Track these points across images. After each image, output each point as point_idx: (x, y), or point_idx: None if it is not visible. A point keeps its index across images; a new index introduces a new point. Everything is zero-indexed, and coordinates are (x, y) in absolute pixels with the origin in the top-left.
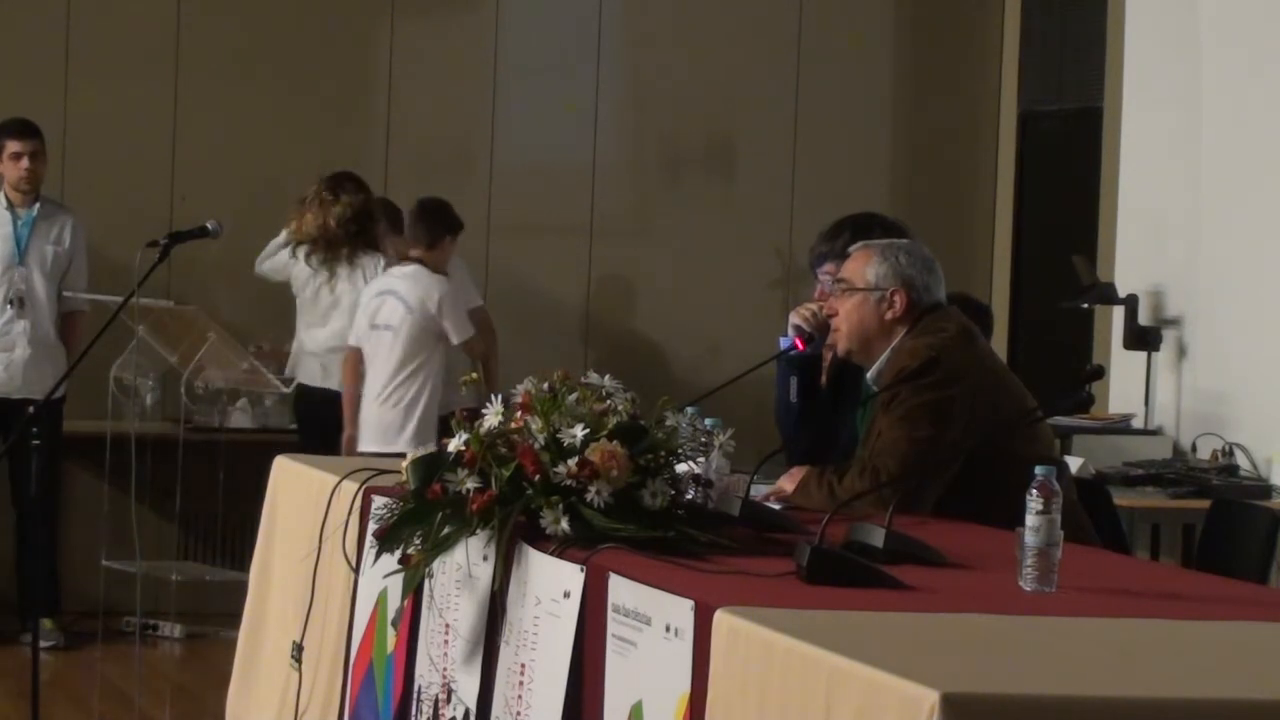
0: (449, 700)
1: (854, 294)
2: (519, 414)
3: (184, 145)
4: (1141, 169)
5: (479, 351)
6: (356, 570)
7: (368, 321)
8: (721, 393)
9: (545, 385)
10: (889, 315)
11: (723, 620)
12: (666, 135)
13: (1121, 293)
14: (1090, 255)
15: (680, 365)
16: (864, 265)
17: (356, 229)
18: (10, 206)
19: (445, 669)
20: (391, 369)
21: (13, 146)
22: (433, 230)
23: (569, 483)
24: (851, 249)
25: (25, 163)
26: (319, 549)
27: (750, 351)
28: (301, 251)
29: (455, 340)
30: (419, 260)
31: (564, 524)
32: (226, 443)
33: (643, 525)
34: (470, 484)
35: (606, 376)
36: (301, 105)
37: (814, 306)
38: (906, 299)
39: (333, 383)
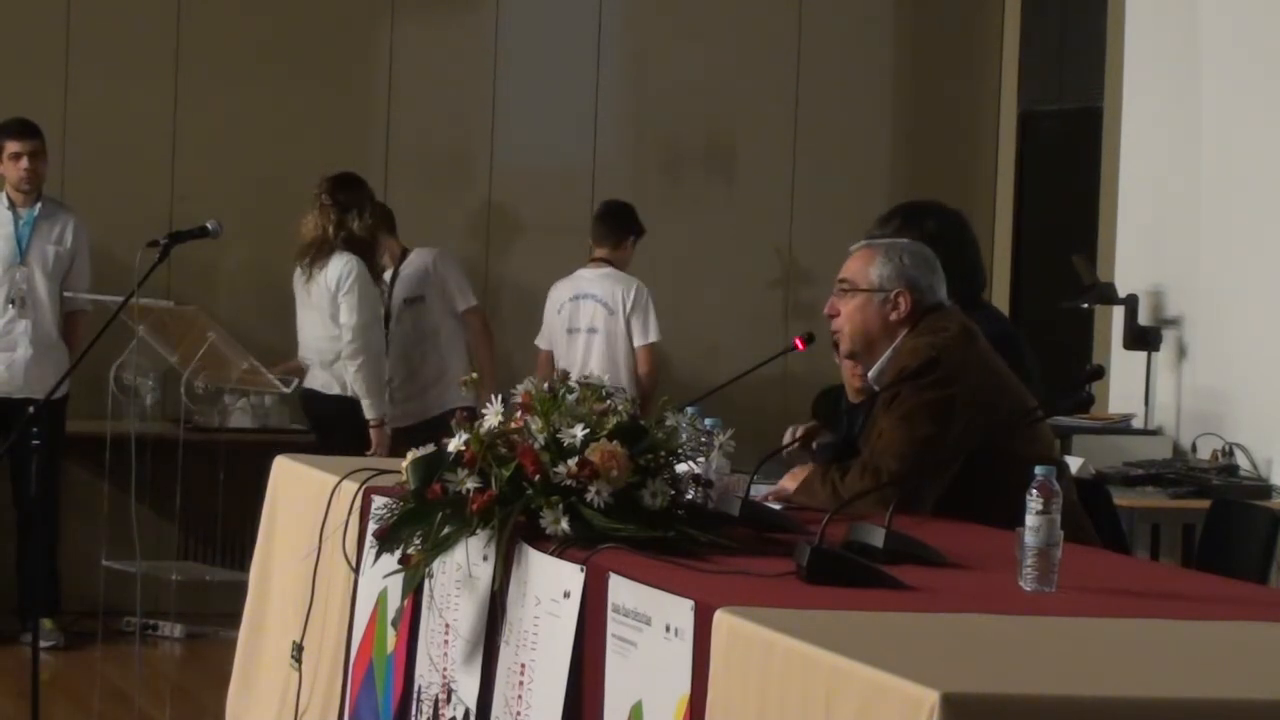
0: (449, 700)
1: (857, 295)
2: (519, 414)
3: (184, 145)
4: (1141, 169)
5: (647, 371)
6: (356, 570)
7: (564, 325)
8: (721, 393)
9: (545, 385)
10: (893, 317)
11: (723, 620)
12: (666, 135)
13: (1121, 293)
14: (1090, 255)
15: (680, 365)
16: (867, 266)
17: (347, 233)
18: (11, 206)
19: (445, 669)
20: (601, 370)
21: (13, 147)
22: (618, 231)
23: (569, 483)
24: (852, 248)
25: (25, 163)
26: (319, 549)
27: (750, 351)
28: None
29: (636, 342)
30: (606, 261)
31: (564, 524)
32: (226, 443)
33: (643, 525)
34: (470, 484)
35: (607, 376)
36: (301, 105)
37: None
38: (911, 300)
39: (316, 383)
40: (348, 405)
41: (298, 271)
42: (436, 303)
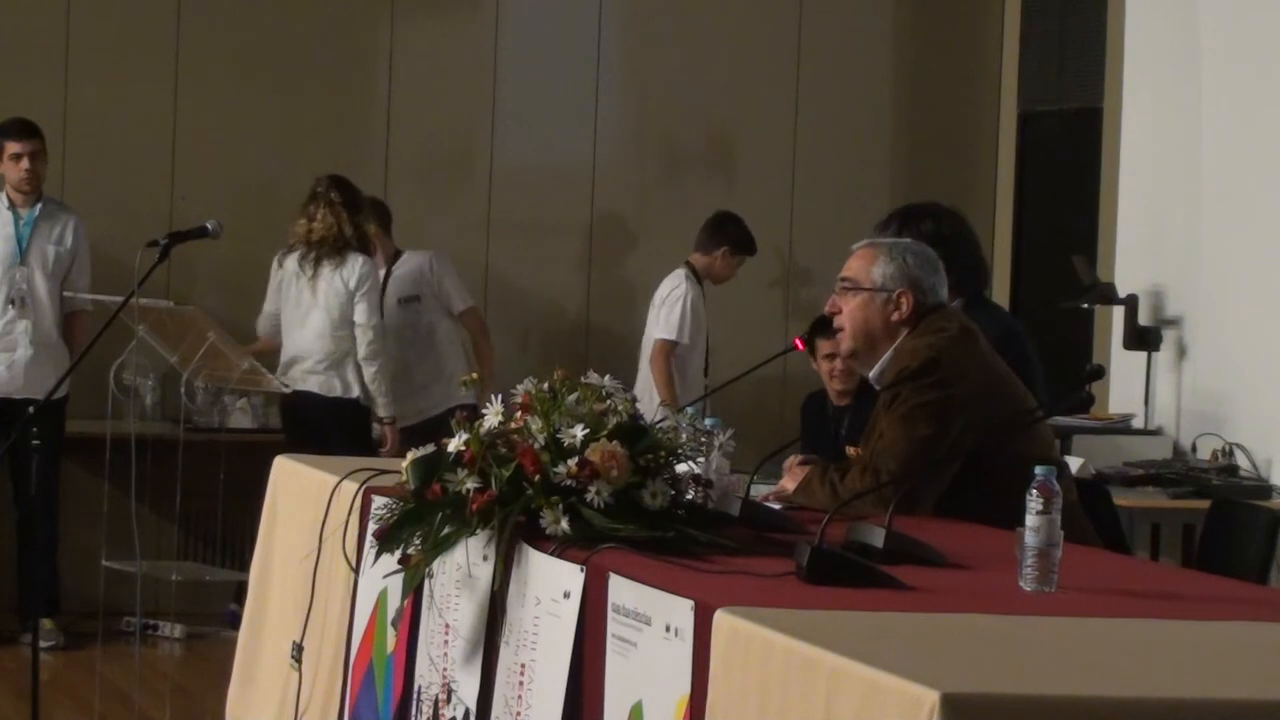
0: (449, 700)
1: (859, 293)
2: (519, 414)
3: (184, 145)
4: (1141, 169)
5: (650, 362)
6: (356, 570)
7: None
8: (721, 393)
9: (545, 385)
10: (895, 317)
11: (723, 620)
12: (666, 135)
13: (1121, 293)
14: (1090, 255)
15: None
16: (869, 265)
17: (360, 233)
18: (12, 206)
19: (445, 669)
20: (646, 362)
21: (13, 147)
22: (709, 239)
23: (569, 483)
24: (854, 247)
25: (25, 163)
26: (319, 549)
27: (750, 351)
28: (294, 256)
29: (653, 335)
30: (690, 264)
31: (564, 524)
32: (226, 443)
33: (643, 525)
34: (470, 484)
35: (606, 376)
36: (301, 105)
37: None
38: (913, 301)
39: (313, 385)
40: (349, 407)
41: (293, 269)
42: (431, 303)
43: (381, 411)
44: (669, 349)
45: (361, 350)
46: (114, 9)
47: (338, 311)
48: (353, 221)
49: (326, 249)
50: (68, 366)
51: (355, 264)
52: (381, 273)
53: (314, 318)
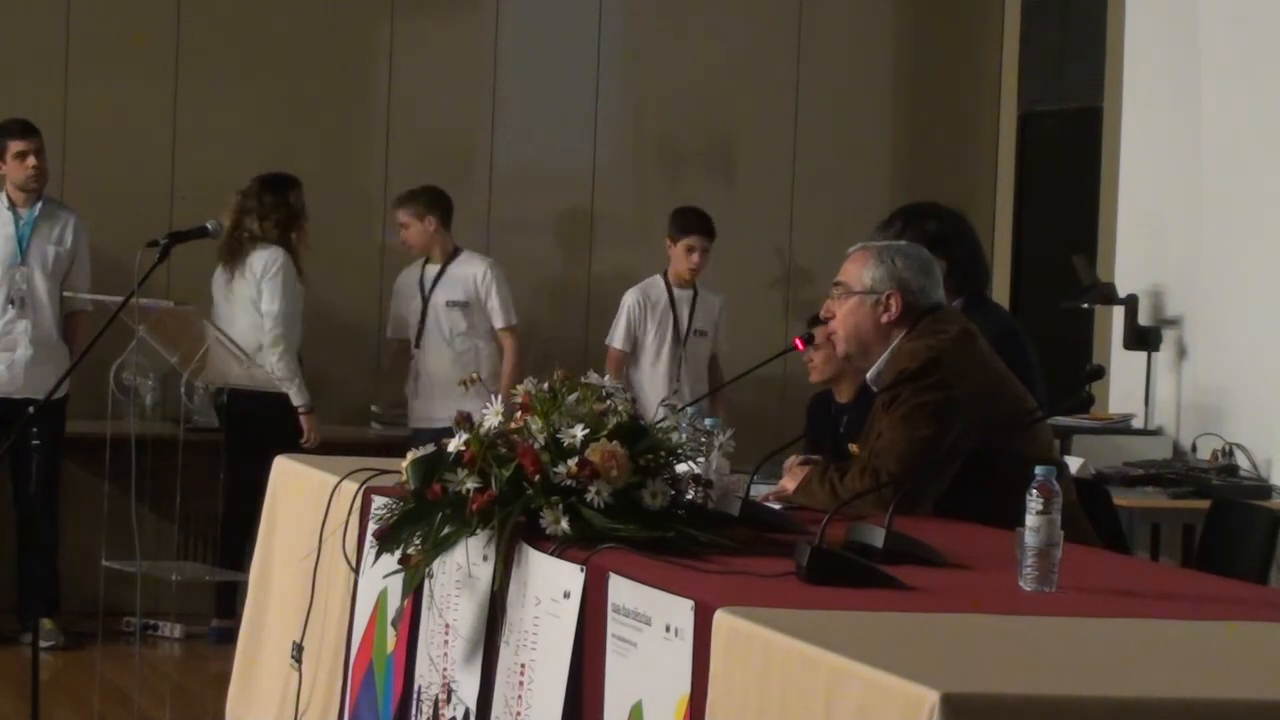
0: (449, 700)
1: (850, 297)
2: (519, 414)
3: (184, 145)
4: (1141, 169)
5: (613, 358)
6: (356, 570)
7: None
8: (721, 393)
9: (545, 385)
10: (885, 319)
11: (723, 620)
12: (666, 135)
13: (1121, 293)
14: (1090, 255)
15: None
16: (860, 268)
17: (262, 237)
18: (12, 206)
19: (445, 669)
20: None
21: (17, 145)
22: (667, 231)
23: (569, 483)
24: (849, 251)
25: (32, 159)
26: (319, 549)
27: (750, 351)
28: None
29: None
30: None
31: (564, 524)
32: (226, 443)
33: (643, 525)
34: (470, 484)
35: (606, 377)
36: (301, 106)
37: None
38: (902, 302)
39: (244, 380)
40: (281, 399)
41: (219, 271)
42: (477, 311)
43: (296, 400)
44: (611, 355)
45: (265, 337)
46: (114, 9)
47: (251, 301)
48: (247, 227)
49: (229, 251)
50: (68, 366)
51: (264, 254)
52: (436, 268)
53: (238, 314)
